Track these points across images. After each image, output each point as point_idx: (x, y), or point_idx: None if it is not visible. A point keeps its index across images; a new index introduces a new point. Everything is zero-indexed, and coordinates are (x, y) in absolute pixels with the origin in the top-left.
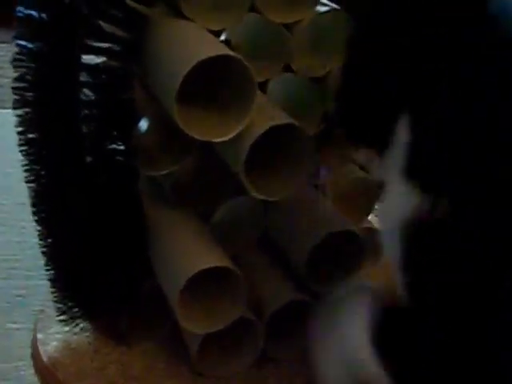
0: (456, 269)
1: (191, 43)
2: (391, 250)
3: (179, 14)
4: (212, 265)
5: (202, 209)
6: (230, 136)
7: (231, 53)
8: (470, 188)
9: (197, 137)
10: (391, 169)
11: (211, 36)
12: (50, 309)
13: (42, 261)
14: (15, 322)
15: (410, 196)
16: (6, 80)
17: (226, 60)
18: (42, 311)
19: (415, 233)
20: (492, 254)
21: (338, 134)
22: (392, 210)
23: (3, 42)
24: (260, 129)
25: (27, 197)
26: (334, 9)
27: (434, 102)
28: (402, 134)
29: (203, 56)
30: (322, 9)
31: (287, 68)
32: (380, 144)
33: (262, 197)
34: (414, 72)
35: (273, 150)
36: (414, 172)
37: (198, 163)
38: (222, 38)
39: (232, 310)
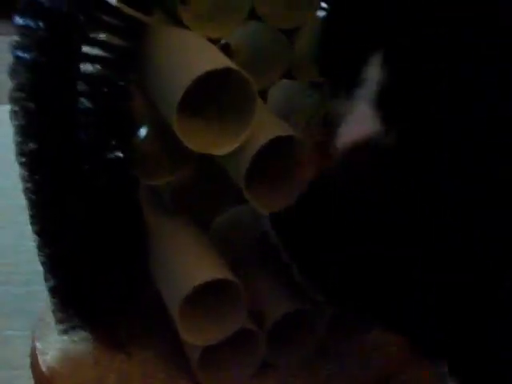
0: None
1: (191, 54)
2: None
3: (178, 22)
4: (213, 277)
5: (201, 217)
6: (231, 149)
7: (232, 65)
8: (420, 125)
9: (196, 150)
10: (359, 101)
11: (211, 45)
12: (49, 316)
13: (40, 266)
14: (13, 330)
15: (370, 120)
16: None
17: (227, 73)
18: (40, 319)
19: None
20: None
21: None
22: (351, 127)
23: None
24: (261, 141)
25: (23, 198)
26: None
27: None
28: (375, 71)
29: (204, 70)
30: (323, 14)
31: (288, 73)
32: (352, 81)
33: (264, 210)
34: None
35: (274, 159)
36: (380, 102)
37: (197, 172)
38: (222, 41)
39: (233, 322)
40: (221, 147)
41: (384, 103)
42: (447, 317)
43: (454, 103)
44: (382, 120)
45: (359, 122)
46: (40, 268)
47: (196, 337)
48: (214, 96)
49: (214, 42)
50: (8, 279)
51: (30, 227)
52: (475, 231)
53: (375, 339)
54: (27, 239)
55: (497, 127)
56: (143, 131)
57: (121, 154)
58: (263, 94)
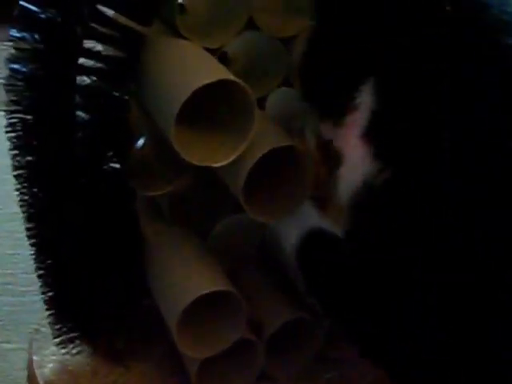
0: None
1: (189, 66)
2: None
3: (176, 33)
4: (212, 290)
5: (200, 226)
6: (229, 161)
7: (230, 77)
8: (413, 159)
9: (195, 163)
10: (351, 133)
11: (209, 56)
12: (46, 328)
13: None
14: (9, 342)
15: (366, 160)
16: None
17: (225, 84)
18: (37, 330)
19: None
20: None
21: None
22: (351, 172)
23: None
24: (259, 152)
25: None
26: None
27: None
28: (366, 100)
29: (201, 83)
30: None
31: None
32: (340, 110)
33: (261, 220)
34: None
35: (273, 169)
36: (372, 136)
37: (195, 181)
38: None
39: (231, 333)
40: (218, 159)
41: (377, 133)
42: (448, 317)
43: (452, 138)
44: (375, 158)
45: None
46: (35, 278)
47: (194, 349)
48: (212, 107)
49: (212, 51)
50: (4, 289)
51: (25, 236)
52: (477, 232)
53: None
54: (24, 248)
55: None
56: (140, 142)
57: (118, 166)
58: (261, 102)
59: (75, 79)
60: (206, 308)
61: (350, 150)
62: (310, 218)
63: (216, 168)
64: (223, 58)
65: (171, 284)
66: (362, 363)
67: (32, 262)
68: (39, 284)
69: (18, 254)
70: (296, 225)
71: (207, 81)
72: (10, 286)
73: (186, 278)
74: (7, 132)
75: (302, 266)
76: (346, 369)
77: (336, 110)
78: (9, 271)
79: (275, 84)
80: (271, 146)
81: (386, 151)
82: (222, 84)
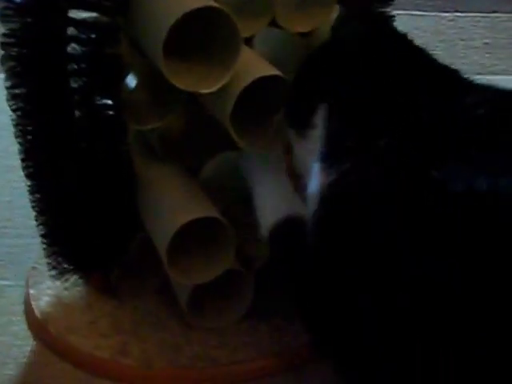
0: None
1: None
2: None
3: None
4: (200, 215)
5: (190, 163)
6: (216, 87)
7: (216, 5)
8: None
9: (183, 88)
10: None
11: None
12: (42, 266)
13: (33, 220)
14: (7, 279)
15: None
16: None
17: (211, 13)
18: (34, 268)
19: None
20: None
21: None
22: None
23: None
24: (246, 80)
25: (17, 159)
26: None
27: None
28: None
29: (189, 8)
30: None
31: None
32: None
33: (248, 147)
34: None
35: (259, 102)
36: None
37: (185, 118)
38: None
39: (221, 262)
40: (207, 86)
41: (329, 147)
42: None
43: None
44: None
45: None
46: (33, 222)
47: (184, 276)
48: (200, 40)
49: None
50: (2, 233)
51: (21, 185)
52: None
53: None
54: (19, 196)
55: None
56: (131, 78)
57: (110, 101)
58: (249, 43)
59: (67, 12)
60: (196, 238)
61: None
62: (287, 203)
63: (205, 100)
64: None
65: (162, 213)
66: None
67: (29, 209)
68: (35, 225)
69: (16, 201)
70: (271, 211)
71: (194, 7)
72: (7, 230)
73: (176, 206)
74: (2, 64)
75: (273, 253)
76: None
77: (303, 124)
78: (7, 216)
79: (263, 24)
80: (257, 75)
81: (335, 162)
82: (208, 14)
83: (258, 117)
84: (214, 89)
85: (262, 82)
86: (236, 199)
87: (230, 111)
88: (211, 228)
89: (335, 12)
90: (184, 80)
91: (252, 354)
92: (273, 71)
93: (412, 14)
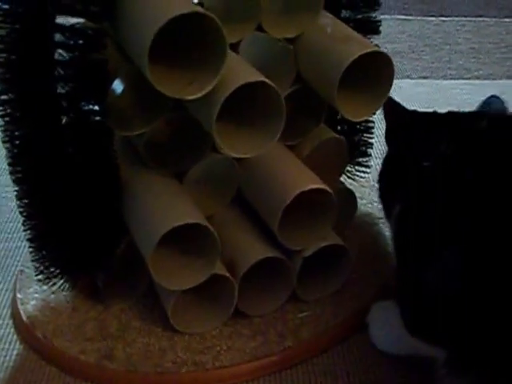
0: None
1: (164, 1)
2: None
3: None
4: (186, 221)
5: (176, 168)
6: (202, 93)
7: (202, 10)
8: None
9: (168, 94)
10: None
11: None
12: (30, 269)
13: (20, 224)
14: None
15: None
16: None
17: (197, 19)
18: (21, 272)
19: None
20: None
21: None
22: None
23: None
24: (232, 86)
25: (5, 163)
26: None
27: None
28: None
29: (175, 13)
30: None
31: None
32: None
33: (233, 154)
34: None
35: (245, 108)
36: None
37: (171, 123)
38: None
39: (206, 267)
40: (192, 92)
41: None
42: None
43: None
44: None
45: None
46: (20, 226)
47: (169, 281)
48: (186, 46)
49: None
50: None
51: (10, 189)
52: None
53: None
54: (8, 200)
55: None
56: (117, 84)
57: (96, 107)
58: (235, 49)
59: (54, 18)
60: (180, 243)
61: None
62: None
63: (191, 105)
64: (199, 5)
65: (147, 218)
66: (333, 304)
67: (16, 213)
68: (22, 228)
69: (5, 205)
70: None
71: (180, 12)
72: None
73: (161, 212)
74: None
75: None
76: (319, 309)
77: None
78: None
79: (249, 30)
80: (242, 82)
81: None
82: (194, 20)
83: (242, 122)
84: (199, 95)
85: (248, 87)
86: (222, 202)
87: (214, 117)
88: (196, 233)
89: (321, 17)
90: (170, 86)
91: (236, 359)
92: (258, 77)
93: (397, 19)
